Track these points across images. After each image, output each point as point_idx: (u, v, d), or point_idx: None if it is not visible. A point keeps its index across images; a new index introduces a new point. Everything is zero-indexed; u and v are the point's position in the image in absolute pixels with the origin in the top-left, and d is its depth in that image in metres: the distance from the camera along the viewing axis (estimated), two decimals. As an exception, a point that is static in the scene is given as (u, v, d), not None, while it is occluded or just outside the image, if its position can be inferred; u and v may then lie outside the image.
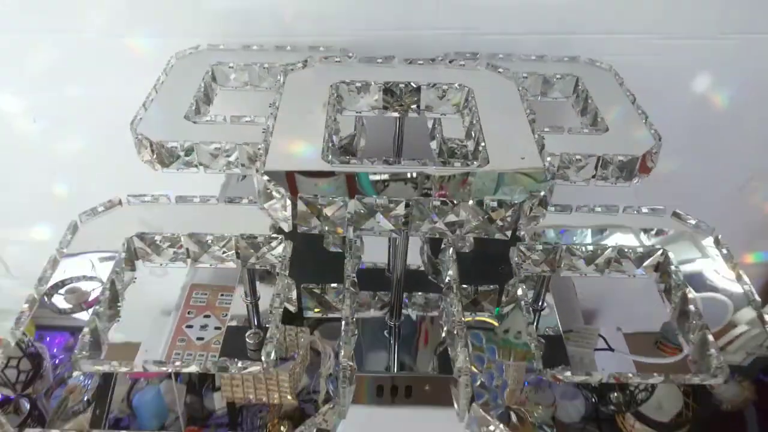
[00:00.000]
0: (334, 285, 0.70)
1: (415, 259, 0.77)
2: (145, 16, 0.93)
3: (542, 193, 0.53)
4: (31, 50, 0.96)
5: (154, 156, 0.70)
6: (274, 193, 0.54)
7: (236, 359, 0.54)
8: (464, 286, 0.64)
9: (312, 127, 0.60)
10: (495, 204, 0.51)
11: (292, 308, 0.58)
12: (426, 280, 0.74)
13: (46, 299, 0.65)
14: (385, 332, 0.69)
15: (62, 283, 0.75)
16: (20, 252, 1.23)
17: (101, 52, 0.94)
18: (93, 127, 1.01)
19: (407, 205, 0.51)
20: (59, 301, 0.72)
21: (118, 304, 0.62)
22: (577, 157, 0.69)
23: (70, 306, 0.70)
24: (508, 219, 0.52)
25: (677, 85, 1.02)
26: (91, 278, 0.74)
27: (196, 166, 0.70)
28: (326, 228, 0.52)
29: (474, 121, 0.63)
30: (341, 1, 0.90)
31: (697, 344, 0.59)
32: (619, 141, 0.71)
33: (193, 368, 0.55)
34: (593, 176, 0.71)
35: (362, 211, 0.52)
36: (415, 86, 0.66)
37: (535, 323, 0.68)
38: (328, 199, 0.52)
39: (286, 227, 0.54)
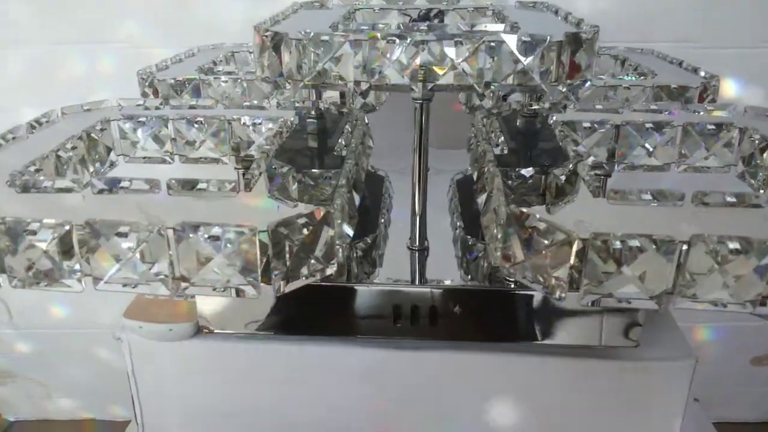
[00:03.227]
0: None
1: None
2: (173, 28, 0.94)
3: (586, 36, 0.45)
4: (60, 62, 0.96)
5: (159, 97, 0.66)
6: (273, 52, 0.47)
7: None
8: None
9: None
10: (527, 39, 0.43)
11: (290, 203, 0.47)
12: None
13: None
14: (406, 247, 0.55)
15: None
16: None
17: (128, 62, 0.94)
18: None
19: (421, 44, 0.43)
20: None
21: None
22: (625, 85, 0.61)
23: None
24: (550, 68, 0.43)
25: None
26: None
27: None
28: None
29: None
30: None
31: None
32: (672, 80, 0.63)
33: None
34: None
35: (372, 59, 0.44)
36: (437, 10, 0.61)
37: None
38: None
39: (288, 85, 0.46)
